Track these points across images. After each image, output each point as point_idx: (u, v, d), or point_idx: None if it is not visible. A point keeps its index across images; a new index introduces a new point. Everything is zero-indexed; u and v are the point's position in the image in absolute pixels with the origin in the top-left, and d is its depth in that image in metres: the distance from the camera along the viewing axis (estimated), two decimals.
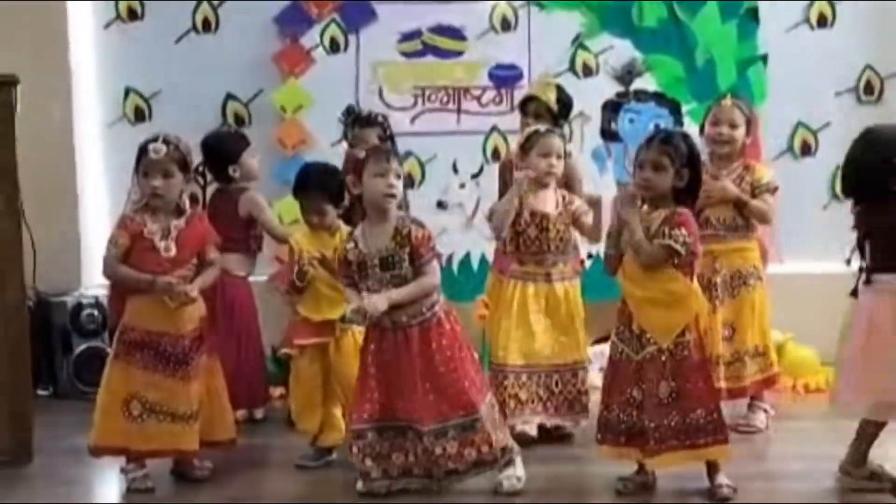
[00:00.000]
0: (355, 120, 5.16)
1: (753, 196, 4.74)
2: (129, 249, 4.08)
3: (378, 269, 3.96)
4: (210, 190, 5.25)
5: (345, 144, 5.37)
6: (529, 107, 5.07)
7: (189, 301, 4.07)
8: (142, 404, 4.08)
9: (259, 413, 5.14)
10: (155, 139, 4.11)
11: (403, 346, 3.95)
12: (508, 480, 3.99)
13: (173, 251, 4.10)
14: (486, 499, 3.99)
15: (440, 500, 3.98)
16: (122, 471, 4.20)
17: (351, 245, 4.01)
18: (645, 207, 3.97)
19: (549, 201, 4.65)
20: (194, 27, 6.05)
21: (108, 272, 4.15)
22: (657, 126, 5.80)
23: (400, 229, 3.96)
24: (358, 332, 4.27)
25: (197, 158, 4.74)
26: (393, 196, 3.96)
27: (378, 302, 3.88)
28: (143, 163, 4.09)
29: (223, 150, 5.15)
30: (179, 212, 4.18)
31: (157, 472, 4.23)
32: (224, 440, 4.30)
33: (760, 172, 4.82)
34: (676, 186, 3.92)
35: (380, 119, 5.17)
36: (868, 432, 3.96)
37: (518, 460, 4.04)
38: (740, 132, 4.79)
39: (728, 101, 4.85)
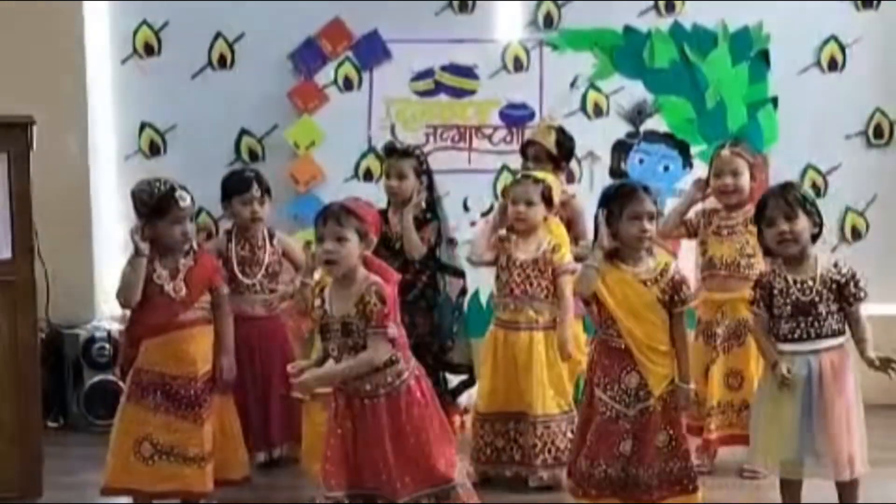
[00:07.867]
0: (391, 151, 5.11)
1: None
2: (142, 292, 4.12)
3: (339, 333, 3.62)
4: None
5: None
6: (529, 150, 5.12)
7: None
8: (153, 446, 4.10)
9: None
10: (173, 189, 4.12)
11: (370, 417, 3.61)
12: None
13: (183, 291, 4.14)
14: None
15: None
16: None
17: (318, 302, 3.70)
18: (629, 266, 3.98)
19: (530, 248, 4.63)
20: (210, 63, 6.12)
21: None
22: (665, 168, 5.88)
23: (364, 295, 3.57)
24: None
25: None
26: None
27: (309, 381, 3.65)
28: (174, 211, 4.10)
29: (221, 187, 4.96)
30: (187, 251, 4.22)
31: None
32: (237, 479, 4.33)
33: None
34: None
35: (416, 152, 5.12)
36: None
37: None
38: (745, 179, 4.78)
39: (727, 151, 4.82)
